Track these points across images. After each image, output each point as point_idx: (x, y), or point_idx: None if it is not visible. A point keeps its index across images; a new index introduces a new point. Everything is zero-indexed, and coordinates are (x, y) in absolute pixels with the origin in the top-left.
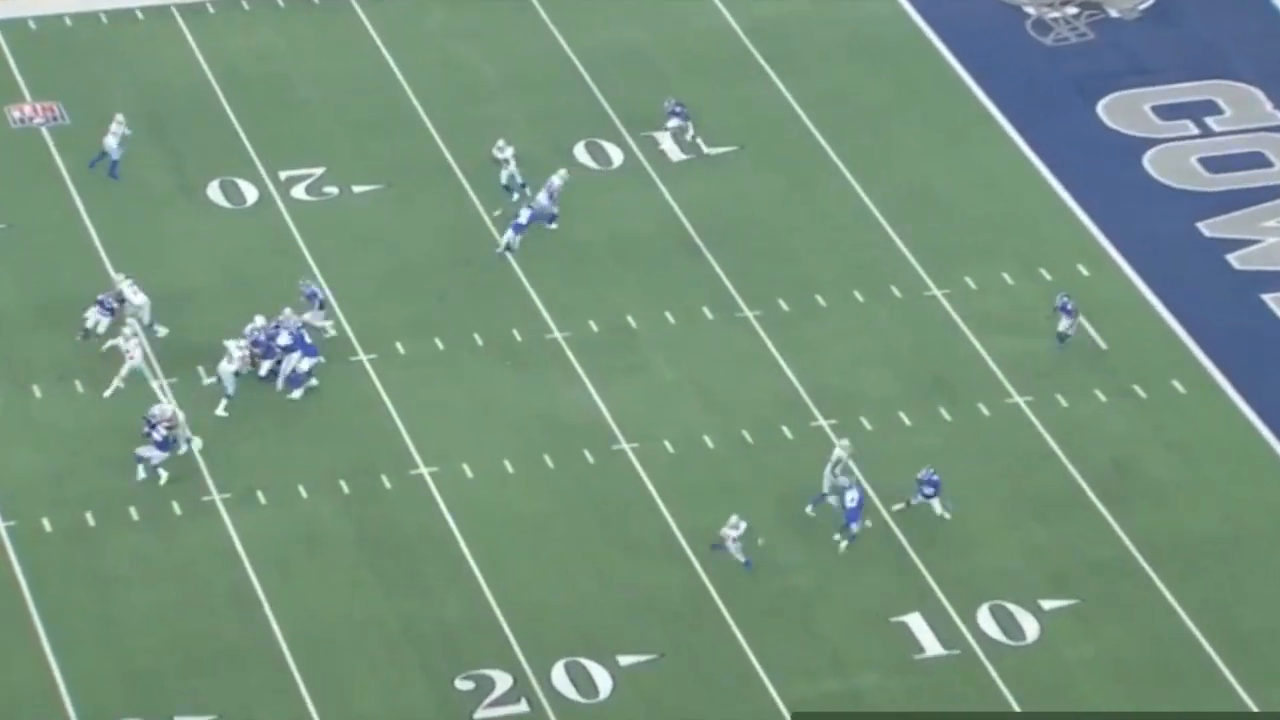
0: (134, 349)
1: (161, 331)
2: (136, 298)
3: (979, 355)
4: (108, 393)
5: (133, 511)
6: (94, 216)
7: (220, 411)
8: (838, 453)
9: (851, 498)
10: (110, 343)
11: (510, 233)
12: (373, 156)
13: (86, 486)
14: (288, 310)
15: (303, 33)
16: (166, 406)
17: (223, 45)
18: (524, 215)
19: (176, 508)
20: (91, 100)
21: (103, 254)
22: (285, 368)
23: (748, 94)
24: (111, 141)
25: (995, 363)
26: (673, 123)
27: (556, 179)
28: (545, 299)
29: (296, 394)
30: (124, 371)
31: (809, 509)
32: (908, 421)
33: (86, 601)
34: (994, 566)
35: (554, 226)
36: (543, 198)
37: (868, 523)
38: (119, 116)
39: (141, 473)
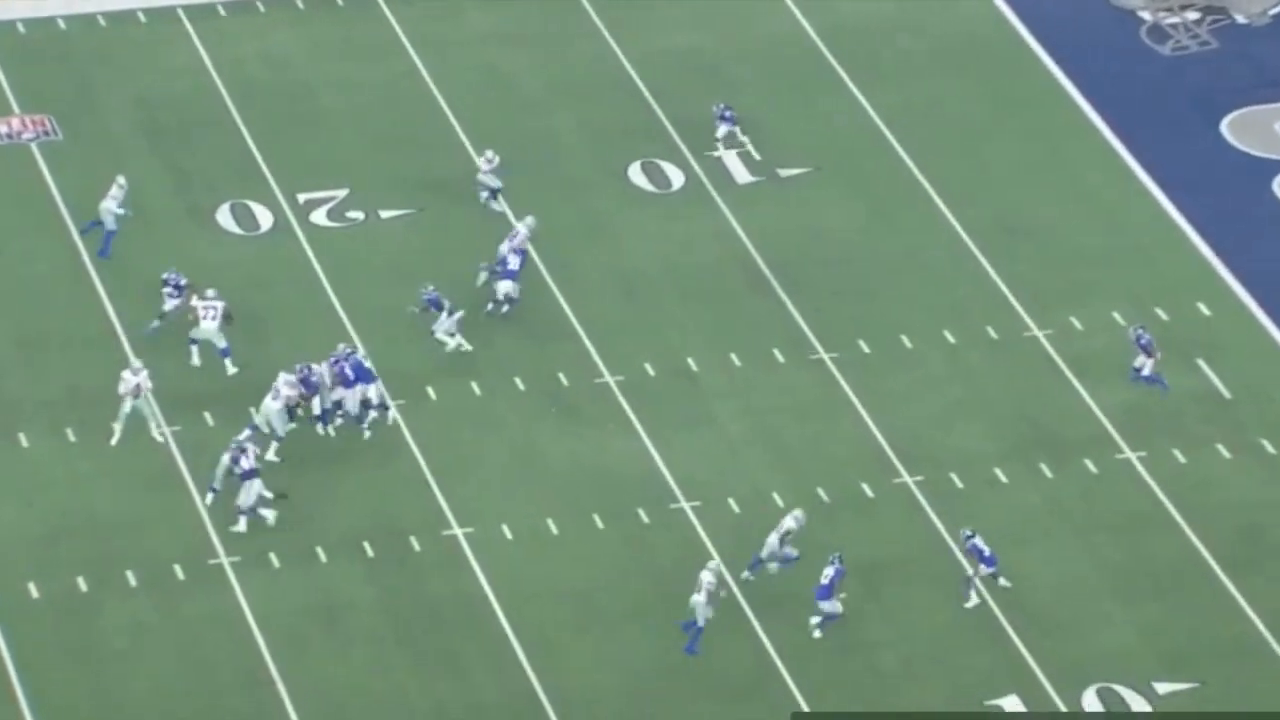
0: (138, 387)
1: (231, 370)
2: (206, 322)
3: (1085, 405)
4: (114, 440)
5: (130, 577)
6: (89, 243)
7: (272, 456)
8: (789, 522)
9: (825, 574)
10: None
11: (506, 283)
12: (403, 177)
13: (79, 548)
14: (341, 346)
15: (324, 37)
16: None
17: (235, 51)
18: (515, 261)
19: (179, 572)
20: (87, 113)
21: (98, 285)
22: (351, 404)
23: (824, 108)
24: (110, 206)
25: (1104, 413)
26: (722, 130)
27: (523, 228)
28: (595, 338)
29: (367, 434)
30: (124, 411)
31: (745, 574)
32: (1004, 479)
33: (77, 679)
34: (1101, 644)
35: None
36: (503, 248)
37: (840, 598)
38: (120, 180)
39: (244, 525)
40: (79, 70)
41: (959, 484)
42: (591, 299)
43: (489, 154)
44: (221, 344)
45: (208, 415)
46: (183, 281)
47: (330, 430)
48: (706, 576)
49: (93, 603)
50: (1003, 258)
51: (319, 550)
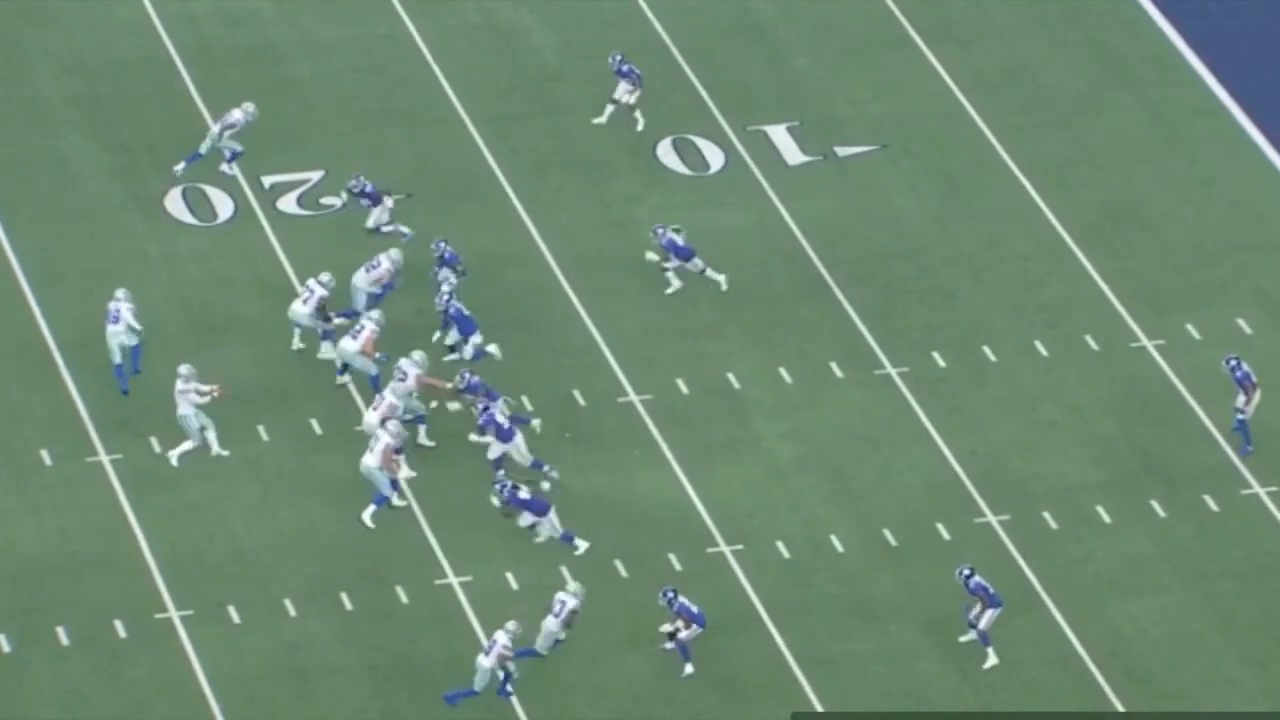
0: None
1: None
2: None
3: (1205, 429)
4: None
5: (61, 634)
6: (13, 233)
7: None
8: (570, 600)
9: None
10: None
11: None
12: (388, 156)
13: (1, 599)
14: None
15: None
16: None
17: (187, 6)
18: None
19: (120, 629)
20: (14, 80)
21: (25, 288)
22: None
23: (893, 75)
24: (119, 330)
25: (1226, 440)
26: (621, 88)
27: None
28: (618, 351)
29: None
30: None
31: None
32: (1107, 518)
33: None
34: (1217, 692)
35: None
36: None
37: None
38: (119, 293)
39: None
40: (4, 28)
41: (1053, 524)
42: (613, 302)
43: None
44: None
45: (153, 440)
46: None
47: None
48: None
49: (17, 664)
50: (1106, 253)
51: (287, 602)
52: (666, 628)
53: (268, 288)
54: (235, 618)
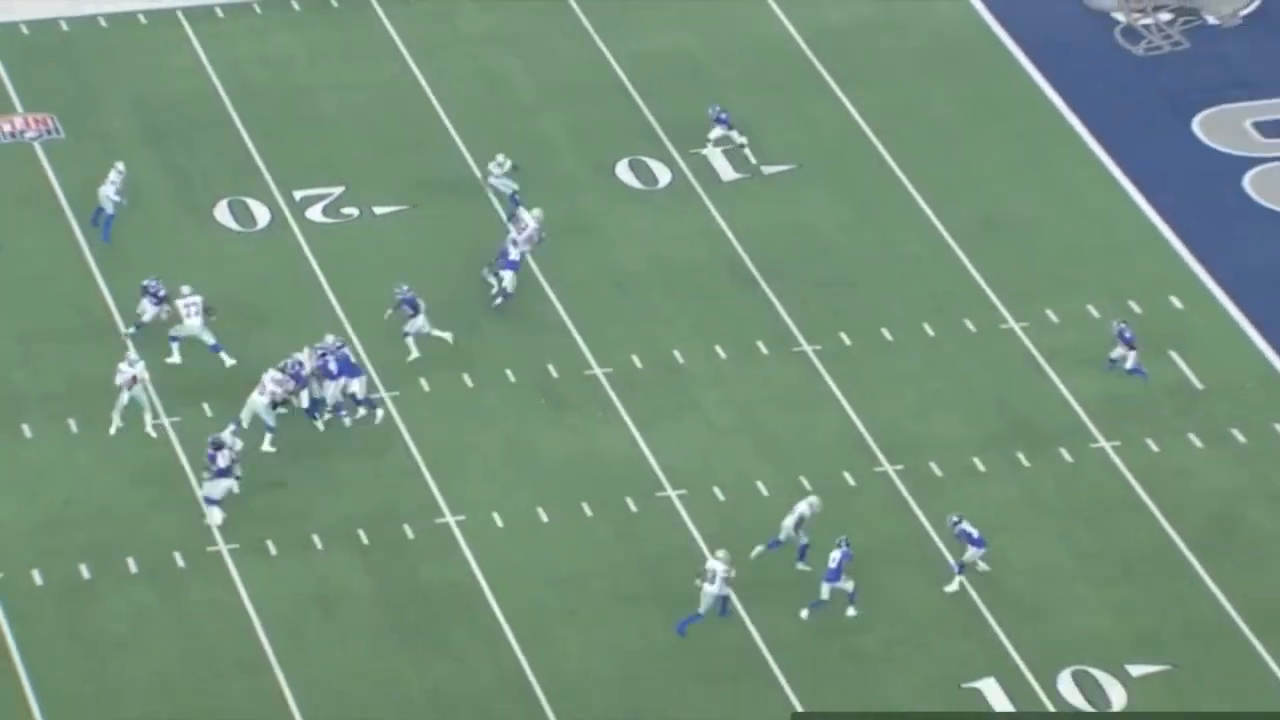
0: (134, 379)
1: (229, 362)
2: (190, 319)
3: (1061, 395)
4: (113, 430)
5: (131, 564)
6: (91, 241)
7: (267, 447)
8: (804, 508)
9: (833, 557)
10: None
11: (508, 274)
12: (397, 175)
13: (80, 536)
14: (330, 338)
15: (320, 38)
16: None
17: (233, 52)
18: (515, 252)
19: (179, 559)
20: (89, 113)
21: (100, 281)
22: (330, 395)
23: (808, 108)
24: (109, 192)
25: (1079, 404)
26: (716, 132)
27: (532, 221)
28: (584, 331)
29: (348, 420)
30: (122, 402)
31: (755, 552)
32: (982, 468)
33: (79, 665)
34: (1076, 629)
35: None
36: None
37: (848, 585)
38: (119, 166)
39: (219, 515)
40: (81, 70)
41: (938, 473)
42: (580, 293)
43: (500, 157)
44: (210, 340)
45: (206, 406)
46: (162, 291)
47: (319, 423)
48: (718, 566)
49: (94, 590)
50: (981, 253)
51: (315, 538)
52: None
53: (299, 282)
54: (273, 550)
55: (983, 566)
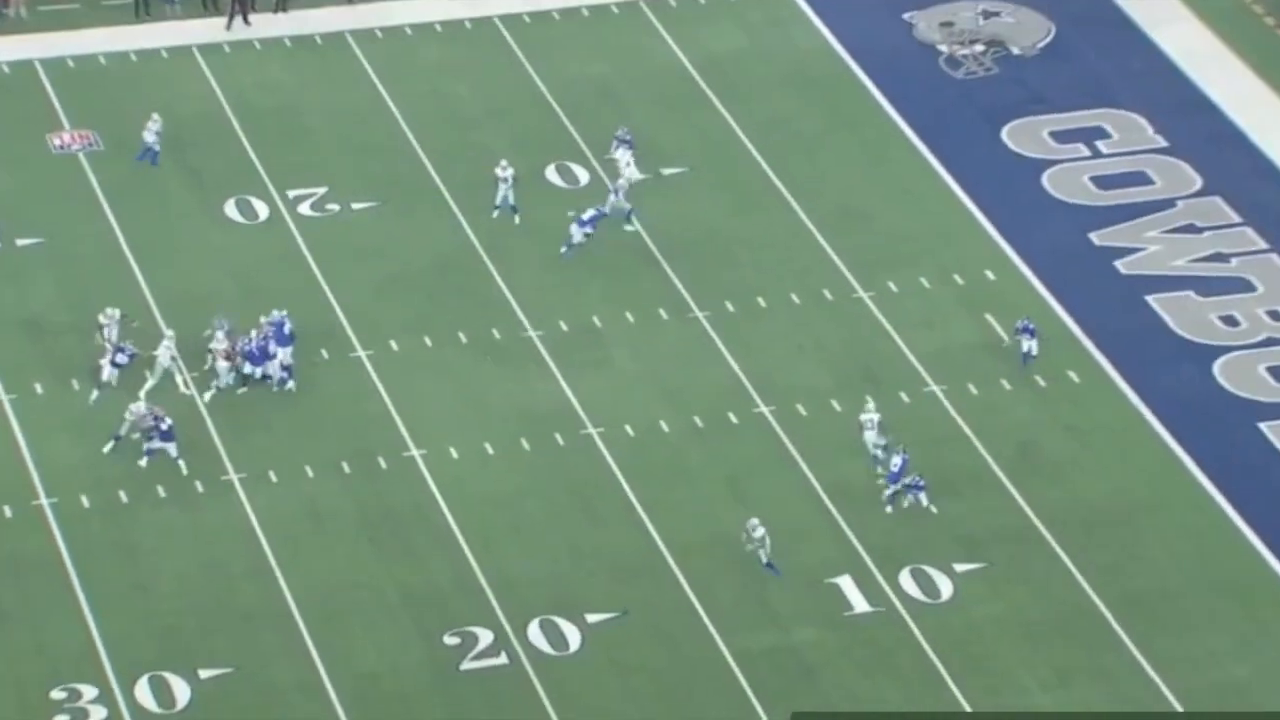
0: (164, 353)
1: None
2: (164, 357)
3: (900, 350)
4: (144, 390)
5: (160, 490)
6: (125, 231)
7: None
8: (865, 419)
9: (895, 462)
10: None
11: (576, 228)
12: (370, 177)
13: (120, 469)
14: (275, 312)
15: (308, 68)
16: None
17: (237, 80)
18: (589, 213)
19: (199, 486)
20: (123, 128)
21: (133, 263)
22: (276, 369)
23: (697, 121)
24: (149, 137)
25: (914, 356)
26: (621, 151)
27: (622, 180)
28: (521, 302)
29: (292, 385)
30: (156, 372)
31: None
32: (838, 408)
33: (119, 569)
34: (914, 535)
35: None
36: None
37: (911, 482)
38: (155, 115)
39: (144, 462)
40: (116, 95)
41: (803, 412)
42: (518, 271)
43: (504, 162)
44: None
45: (221, 367)
46: (134, 351)
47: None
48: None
49: (131, 511)
50: (835, 237)
51: (307, 469)
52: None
53: (293, 264)
54: (273, 478)
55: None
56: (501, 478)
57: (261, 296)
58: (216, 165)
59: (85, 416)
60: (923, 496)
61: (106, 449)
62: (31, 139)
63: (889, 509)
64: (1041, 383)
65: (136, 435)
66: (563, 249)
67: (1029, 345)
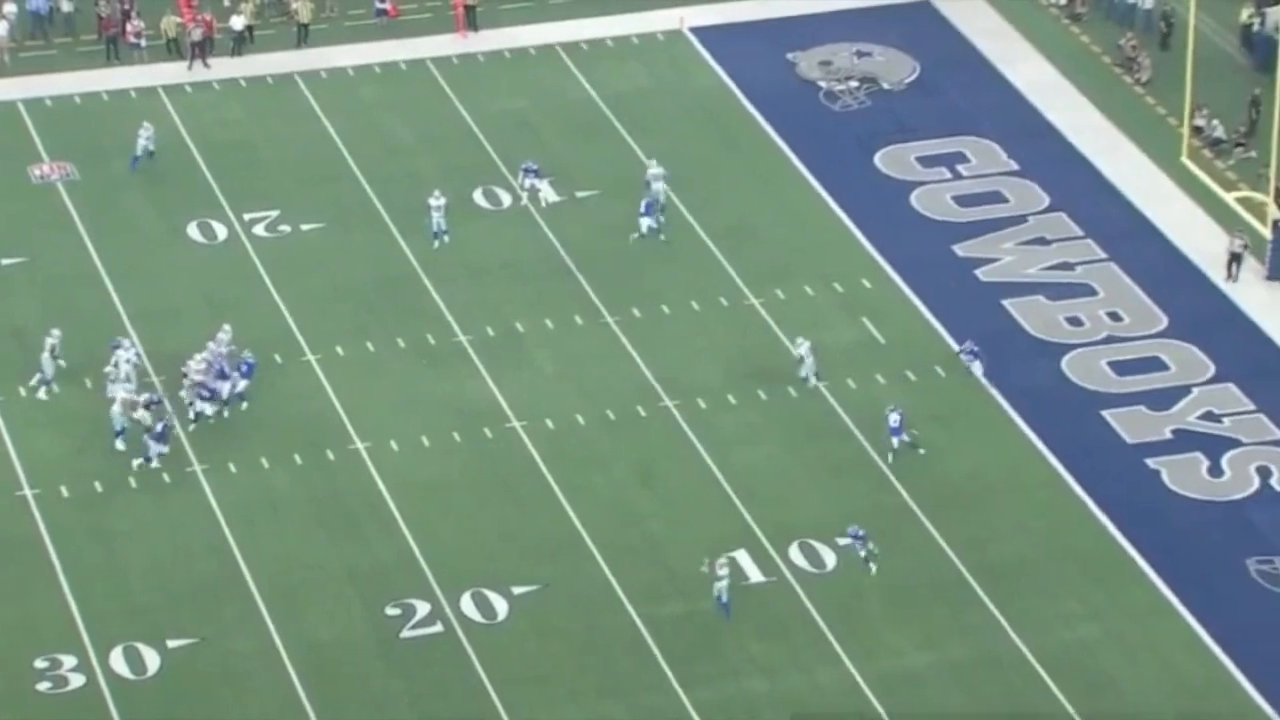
0: (124, 356)
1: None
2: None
3: (785, 348)
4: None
5: (132, 481)
6: (99, 251)
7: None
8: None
9: (894, 419)
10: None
11: (648, 219)
12: (317, 201)
13: (96, 462)
14: (222, 335)
15: (261, 106)
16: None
17: (198, 116)
18: (644, 204)
19: (166, 477)
20: (97, 160)
21: (106, 280)
22: (229, 391)
23: (607, 150)
24: (141, 143)
25: (803, 357)
26: (527, 181)
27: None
28: (453, 311)
29: (245, 405)
30: (120, 375)
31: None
32: (734, 402)
33: (95, 552)
34: (802, 512)
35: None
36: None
37: (906, 438)
38: (146, 123)
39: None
40: (90, 130)
41: (703, 405)
42: (449, 284)
43: (436, 192)
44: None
45: (183, 370)
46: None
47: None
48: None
49: (106, 500)
50: (730, 251)
51: (263, 460)
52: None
53: (249, 279)
54: (233, 469)
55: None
56: (437, 467)
57: (221, 308)
58: (180, 192)
59: (65, 415)
60: (872, 546)
61: (120, 445)
62: (14, 171)
63: (890, 458)
64: (912, 377)
65: (135, 416)
66: (634, 236)
67: (980, 370)
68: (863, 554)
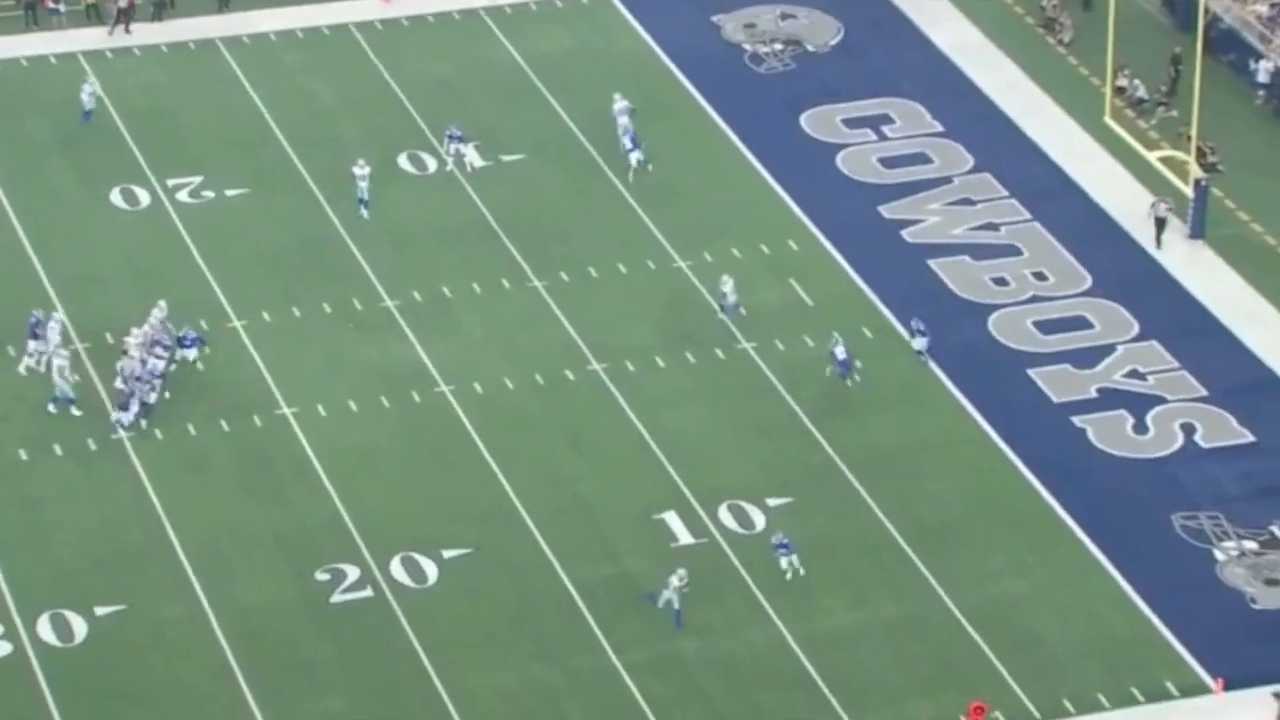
0: (53, 329)
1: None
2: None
3: (712, 310)
4: (21, 368)
5: (57, 448)
6: (20, 219)
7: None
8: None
9: (838, 352)
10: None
11: (636, 152)
12: (241, 167)
13: (20, 430)
14: (150, 322)
15: (183, 71)
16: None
17: (120, 83)
18: (628, 139)
19: (91, 444)
20: (17, 127)
21: (29, 249)
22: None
23: (532, 113)
24: (86, 99)
25: (727, 318)
26: (452, 146)
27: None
28: (379, 276)
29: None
30: (50, 344)
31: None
32: (662, 364)
33: (22, 518)
34: (731, 473)
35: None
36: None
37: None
38: (91, 77)
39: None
40: (10, 97)
41: (631, 368)
42: (375, 249)
43: (360, 161)
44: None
45: (107, 335)
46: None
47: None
48: (674, 580)
49: (30, 467)
50: (657, 214)
51: (190, 426)
52: None
53: (174, 246)
54: (159, 436)
55: (790, 570)
56: (365, 432)
57: (146, 275)
58: (102, 158)
59: None
60: (794, 559)
61: (130, 418)
62: None
63: (849, 383)
64: (838, 335)
65: (134, 385)
66: (630, 172)
67: (921, 344)
68: (784, 564)
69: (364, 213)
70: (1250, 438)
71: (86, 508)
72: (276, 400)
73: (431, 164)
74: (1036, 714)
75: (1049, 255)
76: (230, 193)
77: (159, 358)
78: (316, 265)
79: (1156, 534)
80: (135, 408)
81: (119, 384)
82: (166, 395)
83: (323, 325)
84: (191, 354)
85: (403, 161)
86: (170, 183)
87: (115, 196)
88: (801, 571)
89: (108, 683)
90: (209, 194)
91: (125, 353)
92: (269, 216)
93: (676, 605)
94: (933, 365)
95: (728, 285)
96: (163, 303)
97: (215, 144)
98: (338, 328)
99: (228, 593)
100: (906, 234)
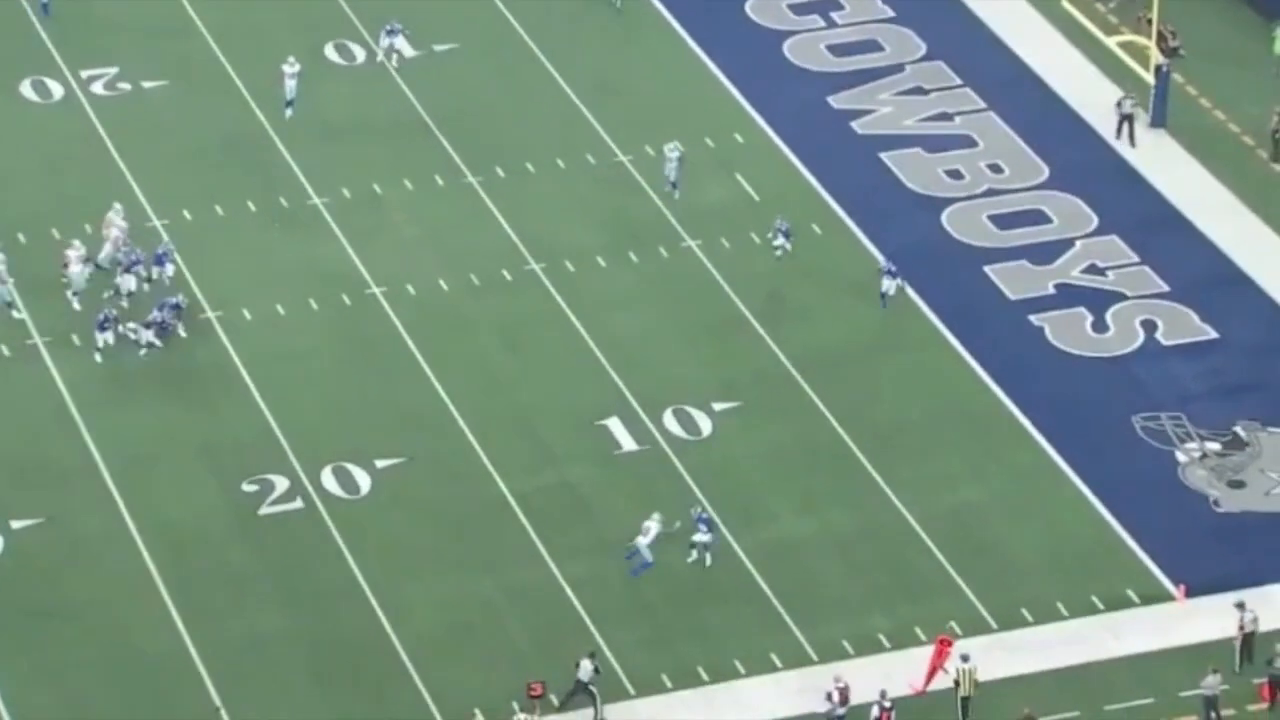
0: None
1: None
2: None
3: (658, 208)
4: None
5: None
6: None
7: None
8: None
9: (781, 228)
10: None
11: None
12: (159, 58)
13: None
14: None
15: None
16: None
17: None
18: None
19: (5, 350)
20: None
21: None
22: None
23: (471, 3)
24: None
25: (671, 214)
26: (385, 41)
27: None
28: (306, 172)
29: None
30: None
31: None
32: (603, 264)
33: None
34: (676, 377)
35: None
36: None
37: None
38: None
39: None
40: None
41: (571, 268)
42: (302, 144)
43: (291, 59)
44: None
45: (20, 235)
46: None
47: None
48: (652, 525)
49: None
50: (596, 106)
51: (108, 335)
52: None
53: (89, 141)
54: (76, 342)
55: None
56: (293, 336)
57: (60, 170)
58: (11, 48)
59: None
60: (703, 538)
61: (112, 339)
62: None
63: (779, 255)
64: (781, 239)
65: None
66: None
67: (889, 285)
68: (698, 541)
69: (288, 113)
70: (1213, 334)
71: (2, 418)
72: (200, 304)
73: (360, 54)
74: (994, 624)
75: (1005, 147)
76: (148, 85)
77: (138, 275)
78: (240, 161)
79: (1117, 436)
80: (112, 330)
81: (71, 297)
82: (80, 307)
83: (247, 224)
84: (170, 270)
85: (329, 52)
86: (84, 74)
87: (26, 88)
88: (706, 555)
89: (24, 599)
90: (125, 86)
91: (66, 266)
92: (189, 110)
93: (648, 559)
94: (880, 258)
95: (674, 154)
96: (118, 205)
97: (131, 34)
98: (263, 227)
99: (151, 505)
100: (857, 125)
